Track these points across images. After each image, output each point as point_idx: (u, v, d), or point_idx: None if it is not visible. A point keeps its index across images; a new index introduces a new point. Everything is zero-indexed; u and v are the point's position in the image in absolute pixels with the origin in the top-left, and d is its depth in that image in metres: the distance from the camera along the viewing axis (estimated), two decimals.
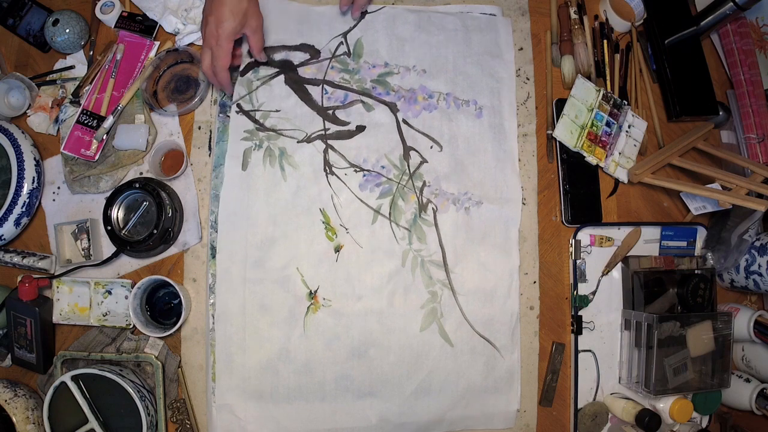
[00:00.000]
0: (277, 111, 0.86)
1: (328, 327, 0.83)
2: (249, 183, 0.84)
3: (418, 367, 0.84)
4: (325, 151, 0.86)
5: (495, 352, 0.86)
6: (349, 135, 0.87)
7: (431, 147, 0.88)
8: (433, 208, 0.87)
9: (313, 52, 0.89)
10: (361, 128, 0.87)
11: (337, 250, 0.84)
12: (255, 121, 0.86)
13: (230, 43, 0.75)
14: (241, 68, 0.87)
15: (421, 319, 0.85)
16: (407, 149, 0.87)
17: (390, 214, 0.86)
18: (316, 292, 0.83)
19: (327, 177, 0.85)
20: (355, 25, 0.91)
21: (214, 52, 0.75)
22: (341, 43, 0.90)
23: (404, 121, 0.88)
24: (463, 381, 0.85)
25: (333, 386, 0.83)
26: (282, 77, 0.88)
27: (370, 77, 0.89)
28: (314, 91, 0.87)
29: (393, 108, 0.88)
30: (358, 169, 0.86)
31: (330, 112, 0.87)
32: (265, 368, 0.82)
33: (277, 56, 0.89)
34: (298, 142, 0.86)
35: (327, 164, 0.86)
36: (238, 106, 0.86)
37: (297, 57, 0.89)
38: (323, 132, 0.86)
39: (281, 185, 0.85)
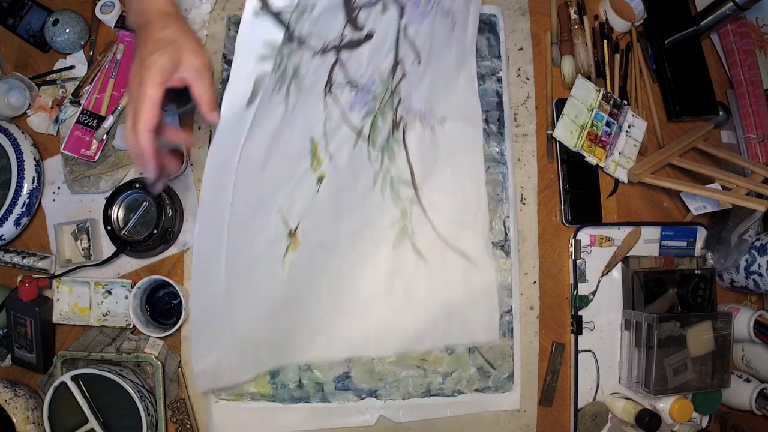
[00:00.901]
0: (314, 8, 0.59)
1: (305, 262, 0.79)
2: (249, 124, 0.59)
3: (393, 286, 0.84)
4: (333, 66, 0.71)
5: (470, 265, 0.86)
6: (357, 44, 0.74)
7: (413, 60, 0.81)
8: (404, 126, 0.84)
9: None
10: (369, 36, 0.75)
11: (320, 180, 0.76)
12: (287, 27, 0.56)
13: (156, 89, 0.54)
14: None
15: (393, 237, 0.84)
16: (397, 62, 0.80)
17: (369, 135, 0.80)
18: (296, 230, 0.76)
19: (325, 98, 0.71)
20: None
21: (135, 104, 0.54)
22: None
23: (404, 29, 0.78)
24: (441, 296, 0.85)
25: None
26: None
27: None
28: None
29: (402, 11, 0.76)
30: (353, 86, 0.75)
31: (355, 11, 0.69)
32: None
33: None
34: (313, 55, 0.64)
35: (329, 82, 0.70)
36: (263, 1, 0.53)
37: None
38: (339, 40, 0.68)
39: (281, 118, 0.64)
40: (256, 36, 0.55)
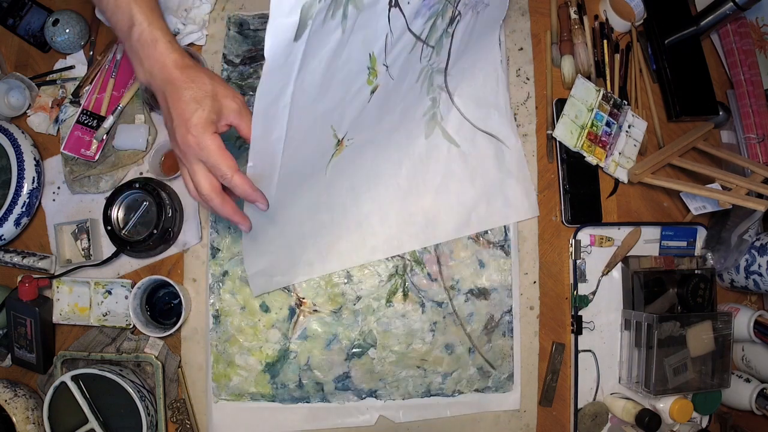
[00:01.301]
0: None
1: (346, 164, 0.77)
2: (300, 57, 0.53)
3: (431, 174, 0.85)
4: None
5: (499, 143, 0.88)
6: None
7: None
8: (458, 20, 0.81)
9: None
10: None
11: (373, 91, 0.72)
12: None
13: (215, 139, 0.54)
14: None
15: (425, 126, 0.85)
16: None
17: (427, 36, 0.75)
18: (343, 138, 0.74)
19: (389, 12, 0.64)
20: None
21: (209, 162, 0.54)
22: None
23: None
24: (478, 178, 0.87)
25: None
26: None
27: None
28: None
29: None
30: None
31: None
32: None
33: None
34: None
35: None
36: None
37: None
38: None
39: (338, 42, 0.58)
40: None
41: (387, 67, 0.70)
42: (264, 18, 0.91)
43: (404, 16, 0.67)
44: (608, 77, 0.96)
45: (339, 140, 0.73)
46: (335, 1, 0.55)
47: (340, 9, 0.56)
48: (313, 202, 0.79)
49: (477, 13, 0.82)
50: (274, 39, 0.49)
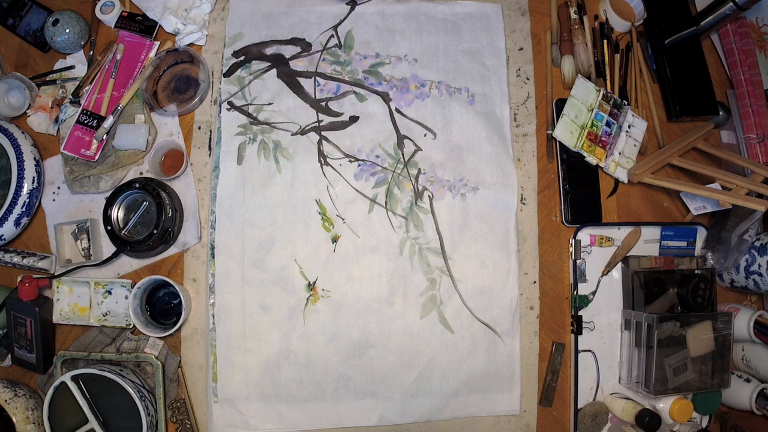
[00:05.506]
0: (270, 104, 0.87)
1: (328, 318, 0.84)
2: (245, 178, 0.85)
3: (419, 355, 0.84)
4: (319, 143, 0.86)
5: (495, 337, 0.86)
6: (343, 126, 0.87)
7: (425, 135, 0.89)
8: (429, 196, 0.87)
9: (305, 46, 0.90)
10: (354, 119, 0.88)
11: (335, 240, 0.85)
12: (248, 115, 0.87)
13: None
14: (224, 71, 0.89)
15: (421, 306, 0.85)
16: (401, 138, 0.88)
17: (386, 202, 0.86)
18: (314, 283, 0.84)
19: (322, 168, 0.86)
20: (345, 18, 0.92)
21: None
22: (332, 36, 0.91)
23: (397, 110, 0.89)
24: (465, 367, 0.85)
25: (334, 385, 0.83)
26: (274, 71, 0.88)
27: (361, 68, 0.90)
28: (306, 84, 0.88)
29: (385, 98, 0.89)
30: (352, 159, 0.87)
31: (323, 103, 0.87)
32: (266, 368, 0.82)
33: (269, 51, 0.89)
34: (292, 134, 0.87)
35: (321, 155, 0.86)
36: (230, 103, 0.87)
37: (288, 51, 0.89)
38: (317, 123, 0.87)
39: (276, 178, 0.85)
40: (232, 121, 0.87)
41: (343, 220, 0.85)
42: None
43: (341, 174, 0.86)
44: (608, 77, 0.96)
45: (310, 284, 0.84)
46: (262, 146, 0.86)
47: (270, 154, 0.86)
48: (284, 346, 0.83)
49: (462, 196, 0.87)
50: (226, 166, 0.86)
